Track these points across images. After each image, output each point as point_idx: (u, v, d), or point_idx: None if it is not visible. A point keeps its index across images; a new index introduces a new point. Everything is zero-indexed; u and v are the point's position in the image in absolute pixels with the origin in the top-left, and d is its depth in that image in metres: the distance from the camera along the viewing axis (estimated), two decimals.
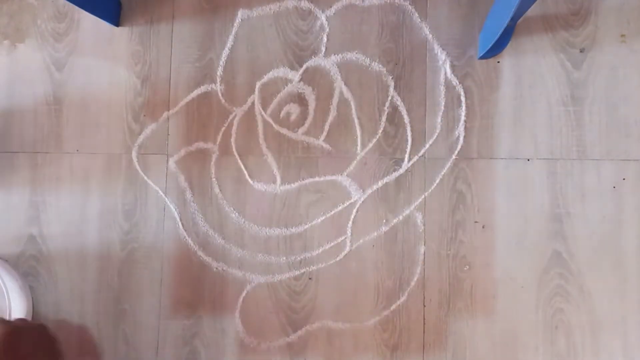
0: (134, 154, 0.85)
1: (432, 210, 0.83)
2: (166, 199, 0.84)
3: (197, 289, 0.83)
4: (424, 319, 0.82)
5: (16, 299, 0.77)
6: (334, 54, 0.85)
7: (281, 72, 0.85)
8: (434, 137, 0.84)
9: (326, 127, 0.85)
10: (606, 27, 0.84)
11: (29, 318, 0.81)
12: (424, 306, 0.82)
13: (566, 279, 0.82)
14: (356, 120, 0.84)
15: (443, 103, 0.84)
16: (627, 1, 0.85)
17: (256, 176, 0.84)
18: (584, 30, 0.85)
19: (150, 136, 0.85)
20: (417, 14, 0.85)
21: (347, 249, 0.83)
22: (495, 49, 0.82)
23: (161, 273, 0.83)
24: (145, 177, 0.85)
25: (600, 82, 0.84)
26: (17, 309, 0.77)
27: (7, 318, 0.73)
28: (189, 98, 0.85)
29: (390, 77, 0.85)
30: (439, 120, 0.84)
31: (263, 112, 0.85)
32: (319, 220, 0.84)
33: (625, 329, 0.81)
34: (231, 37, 0.86)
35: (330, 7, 0.86)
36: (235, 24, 0.86)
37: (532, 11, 0.83)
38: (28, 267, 0.84)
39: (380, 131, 0.84)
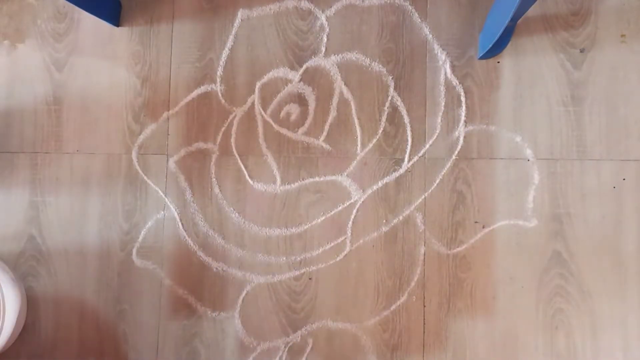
0: (134, 154, 0.85)
1: (432, 210, 0.83)
2: (166, 199, 0.84)
3: (197, 289, 0.83)
4: (424, 319, 0.82)
5: (9, 291, 0.76)
6: (334, 54, 0.85)
7: (281, 72, 0.85)
8: (434, 137, 0.84)
9: (326, 127, 0.84)
10: (606, 27, 0.84)
11: (24, 311, 0.80)
12: (424, 306, 0.82)
13: (566, 279, 0.82)
14: (356, 120, 0.84)
15: (443, 103, 0.84)
16: (627, 1, 0.85)
17: (256, 176, 0.84)
18: (584, 30, 0.85)
19: (150, 136, 0.85)
20: (417, 14, 0.85)
21: (347, 249, 0.83)
22: (495, 49, 0.82)
23: (161, 273, 0.83)
24: (145, 177, 0.85)
25: (600, 82, 0.84)
26: (9, 301, 0.76)
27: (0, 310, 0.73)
28: (189, 98, 0.85)
29: (390, 77, 0.85)
30: (439, 120, 0.84)
31: (263, 112, 0.85)
32: (319, 220, 0.84)
33: (625, 329, 0.81)
34: (231, 37, 0.86)
35: (330, 7, 0.86)
36: (235, 24, 0.86)
37: (532, 11, 0.83)
38: (28, 267, 0.84)
39: (380, 131, 0.84)
